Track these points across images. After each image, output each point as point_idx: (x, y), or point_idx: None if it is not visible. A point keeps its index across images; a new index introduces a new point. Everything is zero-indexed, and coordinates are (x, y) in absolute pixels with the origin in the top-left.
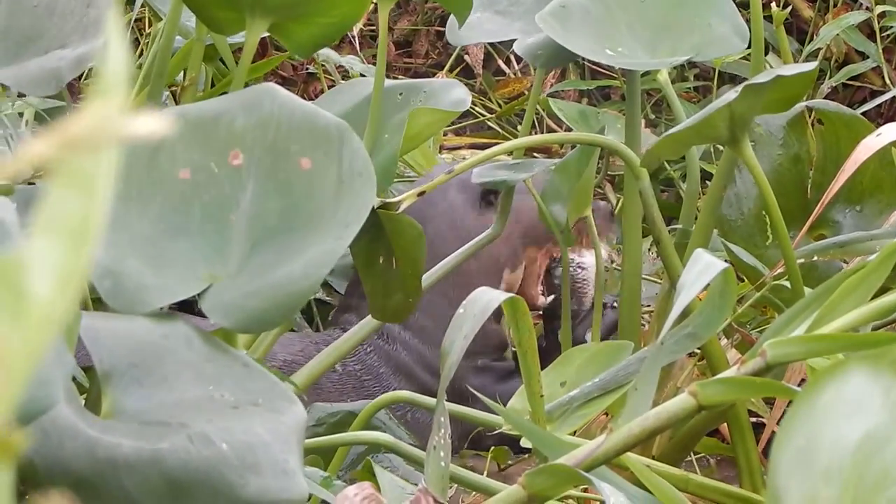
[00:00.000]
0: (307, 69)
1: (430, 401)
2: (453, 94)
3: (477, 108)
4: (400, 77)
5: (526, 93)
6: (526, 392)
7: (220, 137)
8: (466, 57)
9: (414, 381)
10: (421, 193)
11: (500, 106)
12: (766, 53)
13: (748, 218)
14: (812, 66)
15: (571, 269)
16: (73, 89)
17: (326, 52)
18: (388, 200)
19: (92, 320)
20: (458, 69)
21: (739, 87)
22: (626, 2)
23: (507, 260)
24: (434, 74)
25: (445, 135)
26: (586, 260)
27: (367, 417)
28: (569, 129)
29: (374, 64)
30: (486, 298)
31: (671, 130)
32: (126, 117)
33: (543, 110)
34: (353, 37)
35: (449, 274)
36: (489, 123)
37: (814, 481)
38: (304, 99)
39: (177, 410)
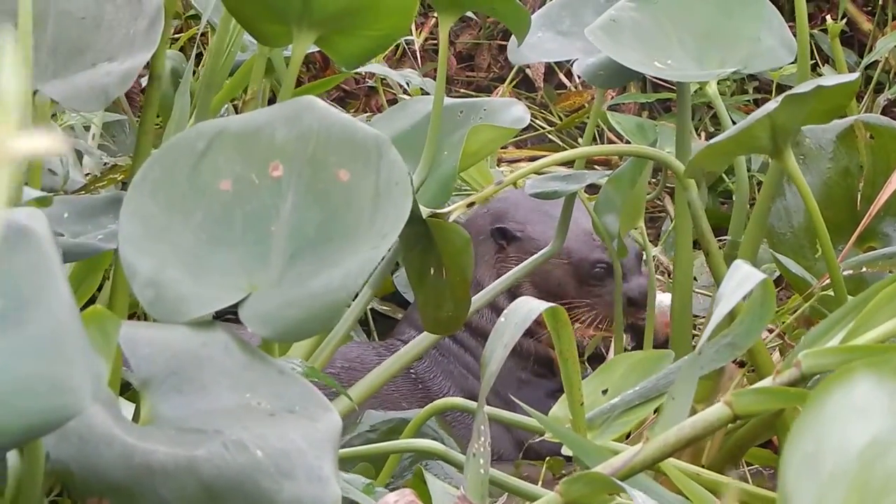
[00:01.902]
0: (368, 83)
1: (495, 411)
2: (512, 111)
3: (537, 121)
4: (461, 90)
5: (586, 105)
6: (567, 400)
7: (261, 149)
8: (528, 70)
9: (468, 388)
10: (470, 204)
11: (560, 119)
12: (823, 65)
13: (797, 230)
14: (853, 76)
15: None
16: (134, 102)
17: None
18: (437, 210)
19: (131, 329)
20: (519, 82)
21: (780, 98)
22: (676, 15)
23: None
24: (495, 88)
25: (505, 147)
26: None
27: (418, 425)
28: (627, 143)
29: (434, 78)
30: (526, 308)
31: (712, 141)
32: (17, 138)
33: (603, 123)
34: (415, 51)
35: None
36: (549, 136)
37: (821, 486)
38: (367, 112)
39: (213, 417)
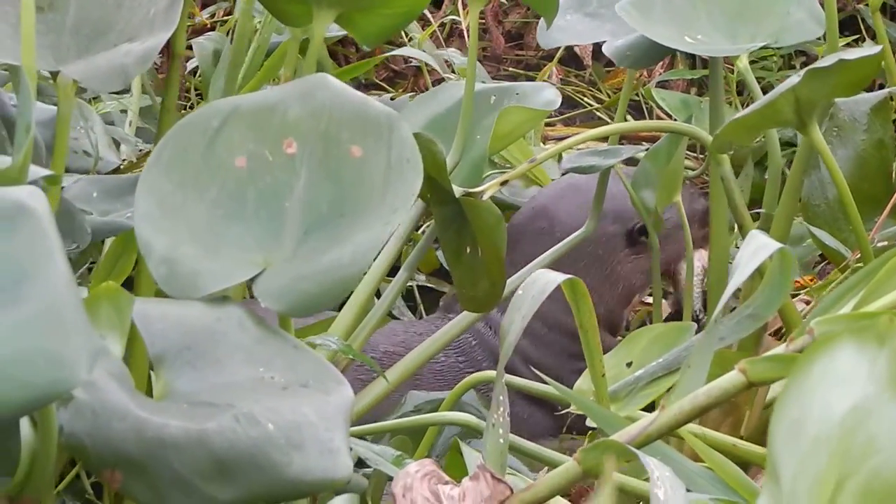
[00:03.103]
0: (416, 63)
1: (521, 381)
2: (544, 94)
3: (586, 99)
4: (511, 69)
5: (634, 82)
6: (589, 372)
7: (274, 126)
8: (576, 48)
9: (514, 372)
10: (504, 182)
11: (608, 96)
12: (867, 39)
13: (832, 202)
14: (875, 50)
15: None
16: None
17: (414, 52)
18: (471, 190)
19: (144, 306)
20: (568, 60)
21: (803, 72)
22: None
23: (640, 287)
24: (544, 66)
25: (553, 126)
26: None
27: (455, 398)
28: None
29: (485, 58)
30: (543, 280)
31: (736, 115)
32: None
33: (649, 101)
34: (462, 31)
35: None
36: (598, 113)
37: (804, 451)
38: (414, 92)
39: (226, 391)
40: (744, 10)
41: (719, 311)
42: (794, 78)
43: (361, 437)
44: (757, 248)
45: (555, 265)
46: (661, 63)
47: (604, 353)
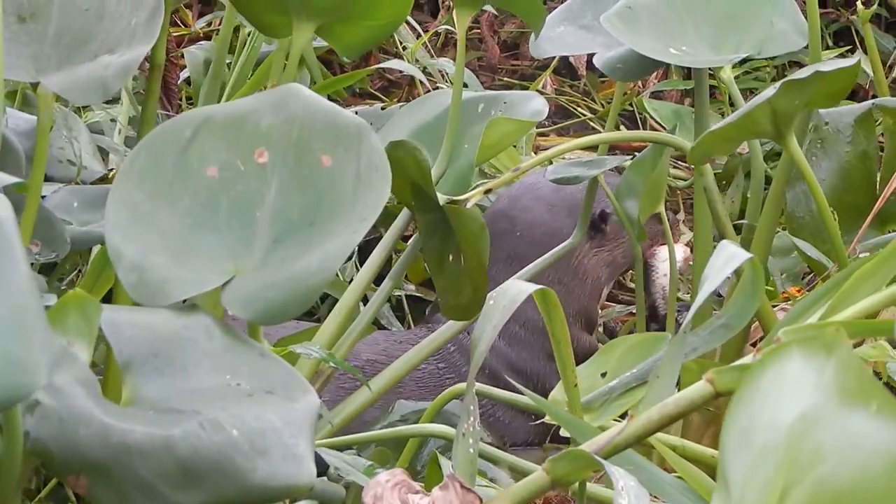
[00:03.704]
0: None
1: (503, 393)
2: (532, 105)
3: (580, 109)
4: (506, 79)
5: (627, 93)
6: (562, 382)
7: (246, 136)
8: (571, 58)
9: (498, 380)
10: (488, 191)
11: (602, 106)
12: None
13: (816, 214)
14: (850, 62)
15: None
16: (171, 94)
17: (400, 64)
18: (455, 197)
19: (113, 313)
20: (563, 70)
21: (779, 84)
22: (691, 1)
23: (607, 280)
24: (539, 76)
25: (546, 136)
26: (661, 254)
27: (436, 409)
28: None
29: (480, 67)
30: (515, 290)
31: (714, 126)
32: None
33: (642, 111)
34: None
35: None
36: (592, 124)
37: (753, 459)
38: (407, 102)
39: (193, 398)
40: (728, 21)
41: (688, 322)
42: (771, 89)
43: (347, 447)
44: (727, 258)
45: (525, 265)
46: (655, 74)
47: (585, 353)
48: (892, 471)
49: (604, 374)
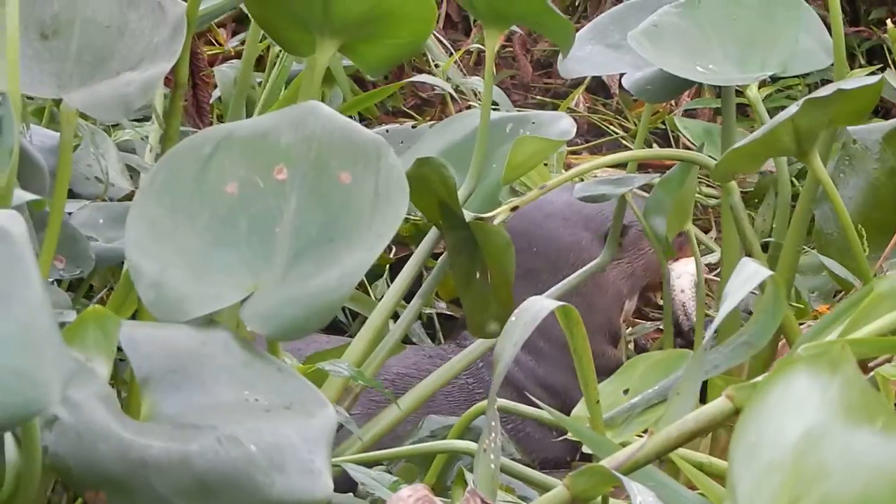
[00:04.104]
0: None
1: (527, 409)
2: (560, 124)
3: (612, 127)
4: (539, 97)
5: (660, 111)
6: (584, 398)
7: (266, 153)
8: (604, 77)
9: (524, 395)
10: (514, 209)
11: (635, 124)
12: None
13: (844, 231)
14: (873, 80)
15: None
16: (203, 112)
17: (430, 79)
18: (482, 215)
19: (132, 329)
20: (596, 88)
21: (801, 101)
22: (718, 20)
23: (628, 293)
24: (570, 93)
25: (579, 154)
26: (676, 269)
27: (464, 425)
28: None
29: (513, 86)
30: (536, 307)
31: (737, 144)
32: None
33: (674, 129)
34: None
35: (568, 299)
36: (624, 142)
37: (759, 474)
38: (440, 121)
39: (210, 413)
40: (754, 39)
41: (709, 339)
42: (793, 107)
43: (377, 462)
44: (748, 275)
45: (543, 280)
46: (687, 92)
47: (611, 367)
48: (895, 487)
49: (626, 391)
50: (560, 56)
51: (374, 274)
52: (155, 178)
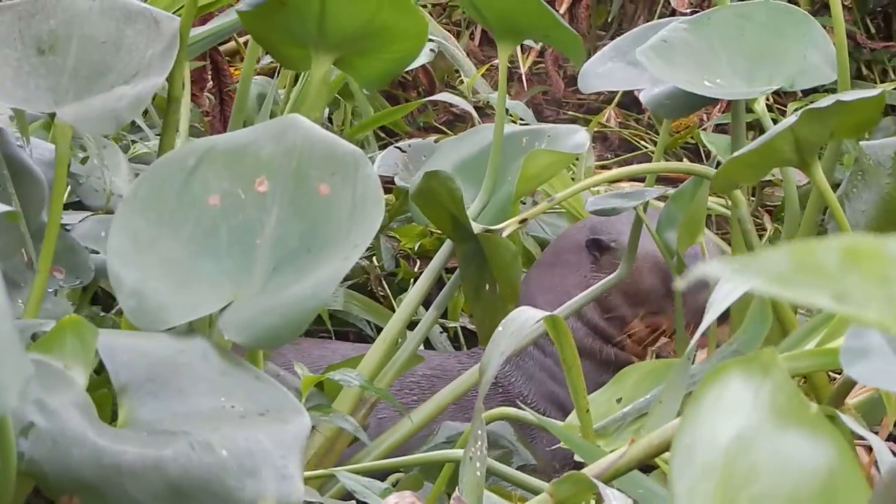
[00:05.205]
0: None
1: (528, 416)
2: (574, 138)
3: (643, 142)
4: (571, 112)
5: (690, 126)
6: (575, 407)
7: (247, 165)
8: (636, 92)
9: (550, 398)
10: (523, 221)
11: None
12: None
13: None
14: (874, 92)
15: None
16: (226, 115)
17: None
18: (490, 227)
19: (110, 338)
20: (630, 103)
21: (800, 112)
22: (727, 36)
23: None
24: (603, 109)
25: (608, 167)
26: None
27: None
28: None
29: (545, 101)
30: (523, 317)
31: (735, 154)
32: None
33: (700, 143)
34: (520, 75)
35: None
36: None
37: (694, 476)
38: None
39: (186, 420)
40: (762, 54)
41: (692, 348)
42: (792, 117)
43: (392, 470)
44: (730, 287)
45: (546, 271)
46: (718, 107)
47: (613, 363)
48: (823, 490)
49: (619, 400)
50: (583, 72)
51: (400, 288)
52: (138, 190)
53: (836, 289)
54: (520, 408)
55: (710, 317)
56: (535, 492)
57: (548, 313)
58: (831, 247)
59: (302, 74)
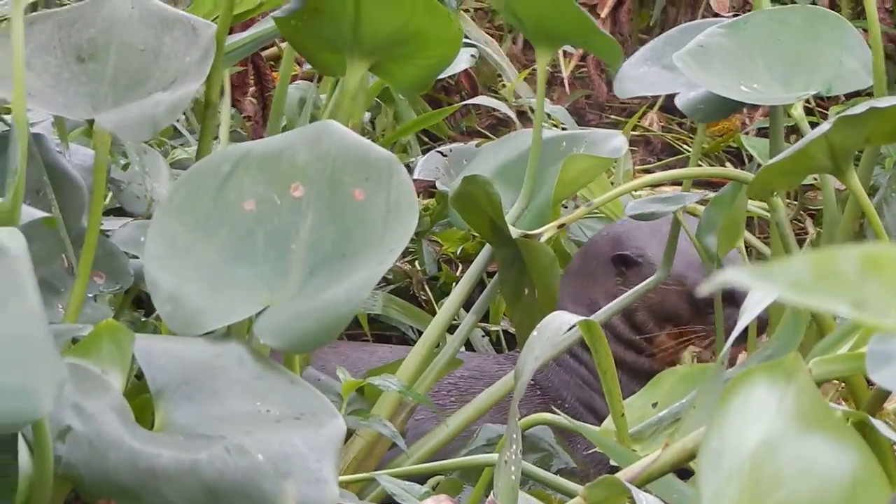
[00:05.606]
0: (519, 110)
1: (564, 421)
2: (613, 142)
3: (685, 146)
4: (614, 116)
5: (732, 130)
6: (610, 412)
7: (283, 171)
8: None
9: (586, 404)
10: (561, 226)
11: (708, 143)
12: None
13: None
14: None
15: None
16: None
17: (488, 101)
18: (528, 232)
19: (146, 342)
20: (673, 107)
21: (834, 118)
22: (764, 41)
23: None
24: (646, 113)
25: (650, 171)
26: None
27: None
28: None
29: (588, 105)
30: (558, 322)
31: (770, 161)
32: None
33: (741, 147)
34: (563, 79)
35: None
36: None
37: (721, 480)
38: None
39: (221, 424)
40: (798, 60)
41: (725, 353)
42: (826, 124)
43: (432, 474)
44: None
45: (572, 280)
46: (761, 111)
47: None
48: (845, 494)
49: (655, 404)
50: (618, 76)
51: (442, 292)
52: (174, 195)
53: (856, 296)
54: (556, 411)
55: (742, 322)
56: (572, 495)
57: (582, 318)
58: (851, 254)
59: (340, 80)
